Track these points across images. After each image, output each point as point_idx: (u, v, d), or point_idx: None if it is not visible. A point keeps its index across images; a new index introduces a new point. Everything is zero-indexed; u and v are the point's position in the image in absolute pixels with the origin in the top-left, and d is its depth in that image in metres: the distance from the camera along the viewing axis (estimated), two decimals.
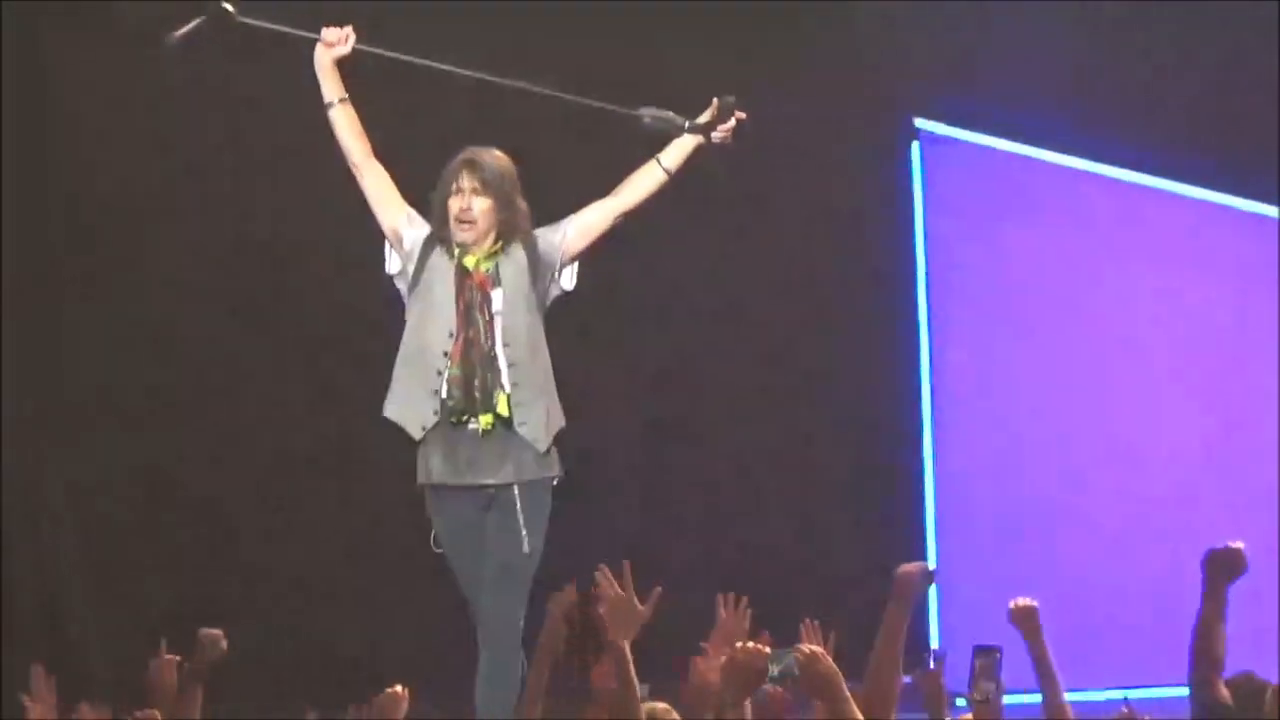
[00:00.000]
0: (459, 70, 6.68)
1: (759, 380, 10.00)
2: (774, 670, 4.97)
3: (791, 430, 9.97)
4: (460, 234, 6.57)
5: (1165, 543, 9.61)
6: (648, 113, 6.55)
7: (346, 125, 6.64)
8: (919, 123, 9.91)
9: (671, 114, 6.54)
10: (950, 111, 9.85)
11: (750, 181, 9.85)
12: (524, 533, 6.58)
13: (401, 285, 6.70)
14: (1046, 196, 9.81)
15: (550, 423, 6.65)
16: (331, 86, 6.62)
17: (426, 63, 6.67)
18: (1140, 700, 9.00)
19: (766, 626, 9.16)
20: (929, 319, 9.92)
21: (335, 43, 6.60)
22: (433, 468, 6.65)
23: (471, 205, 6.56)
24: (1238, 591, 8.90)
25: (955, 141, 9.88)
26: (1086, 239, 9.77)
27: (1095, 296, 9.77)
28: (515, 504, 6.61)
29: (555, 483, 6.69)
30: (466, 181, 6.57)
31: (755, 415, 9.99)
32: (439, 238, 6.60)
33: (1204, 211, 9.70)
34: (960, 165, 9.91)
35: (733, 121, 6.57)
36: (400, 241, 6.65)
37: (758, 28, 9.87)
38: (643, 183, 6.66)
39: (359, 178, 6.67)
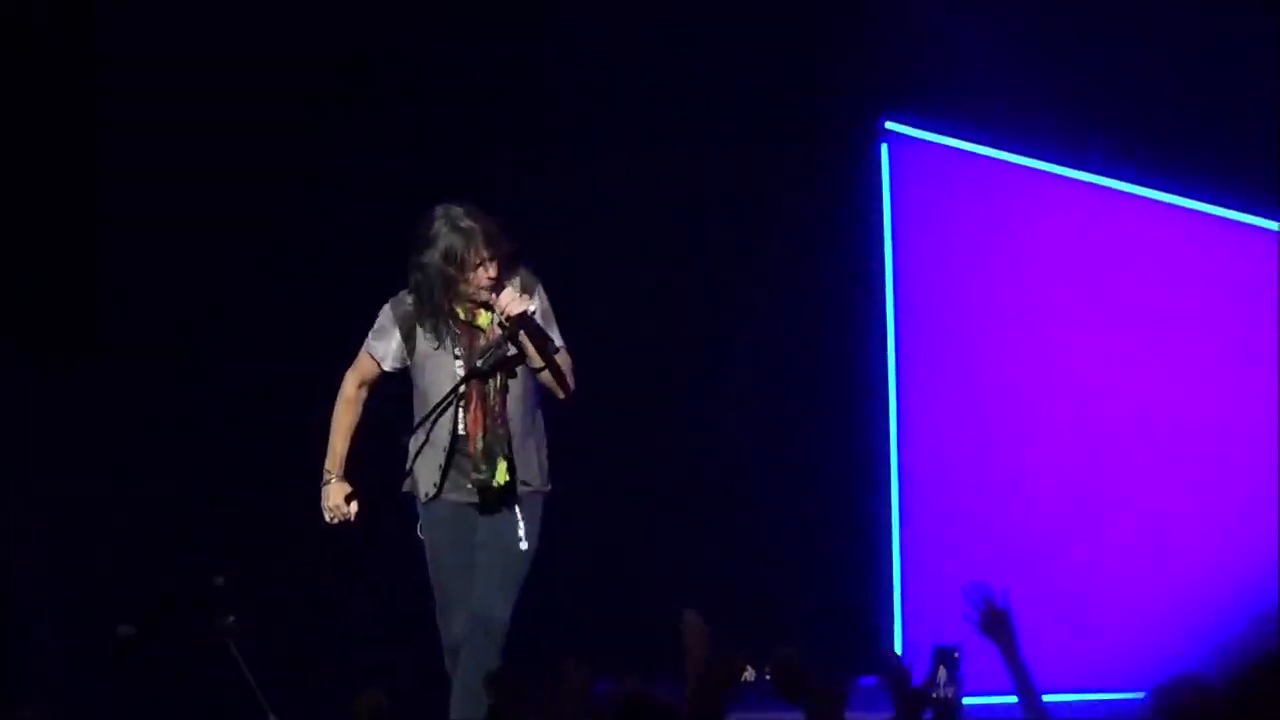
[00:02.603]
0: None
1: (726, 379, 9.83)
2: (750, 675, 4.99)
3: (753, 434, 9.83)
4: (486, 296, 7.04)
5: (1149, 541, 9.66)
6: (483, 361, 7.03)
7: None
8: (889, 125, 9.78)
9: (491, 345, 7.03)
10: (922, 113, 9.76)
11: (710, 182, 9.77)
12: (522, 532, 7.05)
13: (396, 366, 7.24)
14: (1022, 202, 9.74)
15: (542, 458, 7.23)
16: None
17: None
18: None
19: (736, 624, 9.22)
20: (895, 323, 9.77)
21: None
22: (438, 483, 7.16)
23: (494, 273, 7.03)
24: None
25: (926, 144, 9.76)
26: (1063, 245, 9.72)
27: (1072, 304, 9.72)
28: (515, 507, 7.13)
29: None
30: (486, 251, 6.99)
31: (720, 416, 9.81)
32: (438, 309, 7.02)
33: (1193, 220, 9.67)
34: (931, 168, 9.78)
35: (507, 296, 7.00)
36: (389, 355, 7.23)
37: (723, 26, 9.72)
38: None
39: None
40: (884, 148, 9.80)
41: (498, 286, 7.03)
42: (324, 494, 7.25)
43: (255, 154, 9.27)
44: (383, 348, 7.19)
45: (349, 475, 7.28)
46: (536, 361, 7.05)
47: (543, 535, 7.24)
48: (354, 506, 7.22)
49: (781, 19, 9.71)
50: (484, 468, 7.07)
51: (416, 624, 7.56)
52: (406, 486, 7.28)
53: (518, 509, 7.10)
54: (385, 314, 7.19)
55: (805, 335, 9.84)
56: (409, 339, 7.12)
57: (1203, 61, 9.49)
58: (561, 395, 7.15)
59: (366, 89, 9.46)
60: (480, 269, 6.97)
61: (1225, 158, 9.53)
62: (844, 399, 9.86)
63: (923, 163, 9.80)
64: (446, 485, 7.14)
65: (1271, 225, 9.63)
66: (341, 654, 9.32)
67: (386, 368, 7.20)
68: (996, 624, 5.45)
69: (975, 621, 5.48)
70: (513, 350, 7.04)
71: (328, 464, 7.26)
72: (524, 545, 7.06)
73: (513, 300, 6.97)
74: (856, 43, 9.68)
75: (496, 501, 7.10)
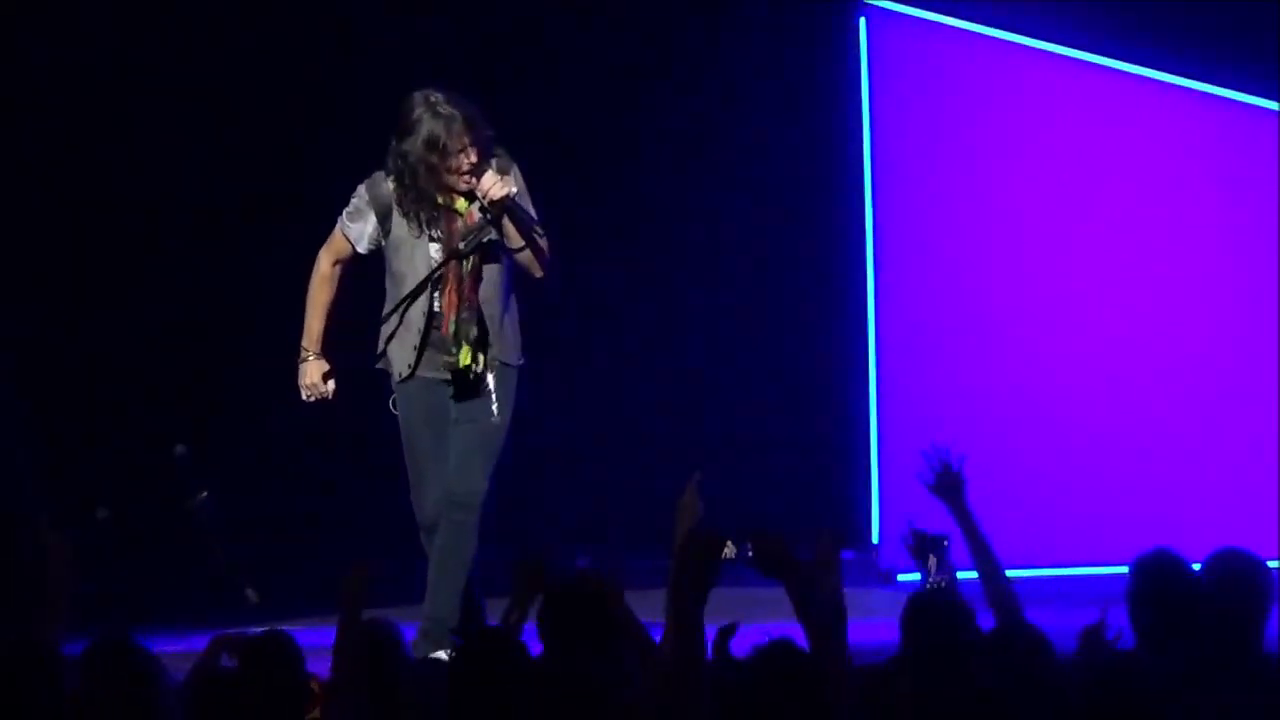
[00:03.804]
0: None
1: (704, 259, 9.82)
2: (730, 551, 4.99)
3: (730, 315, 9.83)
4: (465, 185, 6.98)
5: (1130, 421, 9.66)
6: (464, 244, 6.96)
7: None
8: None
9: (473, 228, 6.95)
10: None
11: (683, 57, 9.70)
12: (495, 406, 7.03)
13: (368, 247, 7.13)
14: (1004, 79, 9.66)
15: (516, 336, 7.18)
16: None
17: None
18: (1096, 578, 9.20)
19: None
20: (873, 202, 9.66)
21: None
22: (413, 364, 7.11)
23: (474, 158, 6.95)
24: None
25: (905, 17, 9.64)
26: (1046, 123, 9.64)
27: (1055, 183, 9.65)
28: (488, 380, 7.09)
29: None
30: (467, 137, 6.94)
31: (697, 297, 9.83)
32: (421, 195, 6.94)
33: (1186, 99, 9.60)
34: (910, 43, 9.66)
35: (489, 180, 6.92)
36: (364, 237, 7.11)
37: None
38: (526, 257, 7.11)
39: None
40: (862, 21, 9.68)
41: (477, 171, 6.98)
42: (301, 371, 7.21)
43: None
44: (357, 230, 7.12)
45: (325, 353, 7.23)
46: (516, 242, 7.02)
47: (529, 415, 7.21)
48: (331, 384, 7.19)
49: None
50: (454, 350, 7.06)
51: (393, 501, 7.53)
52: (380, 364, 7.24)
53: (491, 381, 7.08)
54: (360, 195, 7.12)
55: (781, 215, 9.77)
56: (384, 221, 7.08)
57: None
58: (539, 274, 7.12)
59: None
60: (461, 155, 6.92)
61: (1221, 34, 9.42)
62: (821, 279, 9.81)
63: (901, 37, 9.68)
64: (421, 364, 7.10)
65: (1270, 105, 9.56)
66: (317, 531, 9.31)
67: (360, 249, 7.14)
68: (949, 487, 5.45)
69: (929, 482, 5.50)
70: (493, 233, 7.00)
71: (304, 341, 7.22)
72: (496, 418, 7.04)
73: (495, 184, 6.92)
74: None
75: (467, 384, 7.09)
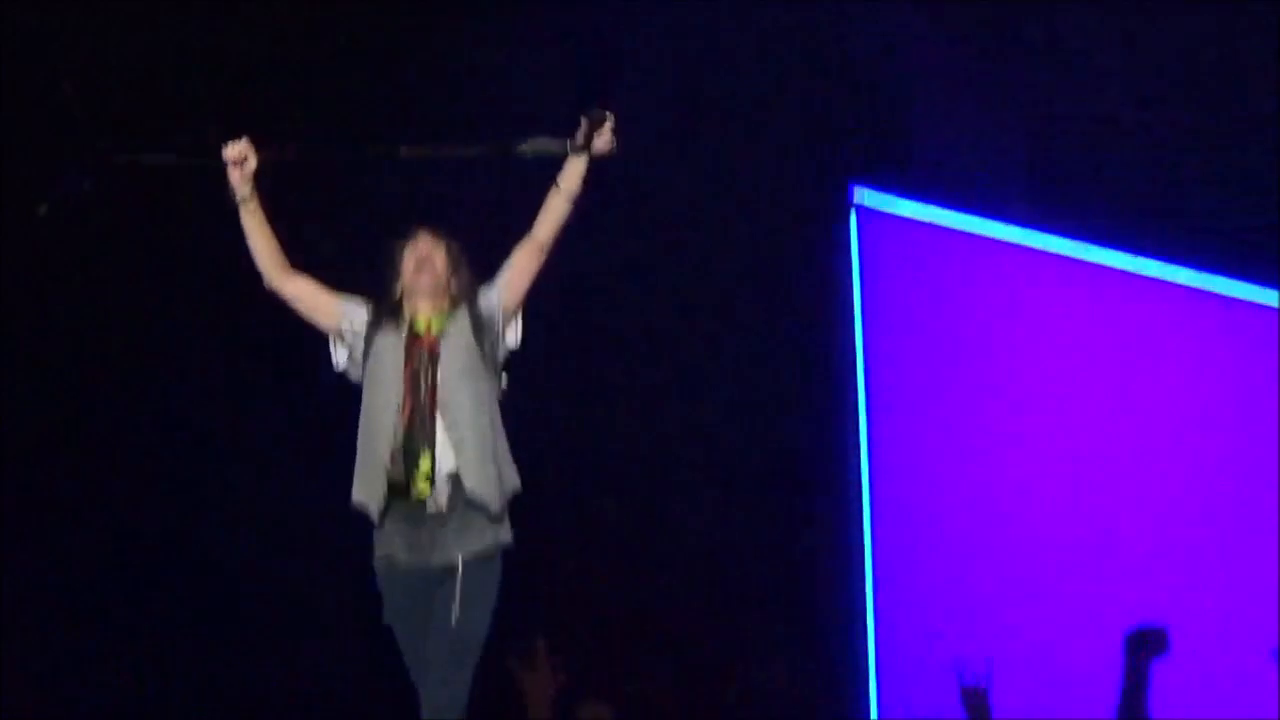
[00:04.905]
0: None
1: (699, 451, 9.77)
2: None
3: (722, 512, 9.81)
4: (420, 282, 6.66)
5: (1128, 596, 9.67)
6: (528, 146, 6.58)
7: (255, 229, 6.51)
8: (857, 194, 9.75)
9: (549, 140, 6.57)
10: (891, 182, 9.76)
11: (675, 247, 9.76)
12: (459, 608, 6.44)
13: (353, 373, 6.68)
14: (1000, 276, 9.78)
15: (504, 485, 6.61)
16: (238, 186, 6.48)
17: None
18: None
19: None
20: (866, 397, 9.71)
21: (238, 160, 6.45)
22: (393, 547, 6.60)
23: (431, 254, 6.66)
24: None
25: (895, 216, 9.75)
26: (1039, 321, 9.72)
27: (1052, 380, 9.72)
28: (459, 580, 6.48)
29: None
30: (424, 240, 6.70)
31: (690, 486, 9.77)
32: (388, 308, 6.65)
33: (1186, 297, 9.70)
34: (901, 240, 9.76)
35: (608, 128, 6.54)
36: (342, 335, 6.66)
37: (694, 86, 9.69)
38: (551, 213, 6.64)
39: (279, 289, 6.56)
40: (853, 218, 9.76)
41: (432, 281, 6.62)
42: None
43: None
44: (348, 305, 6.67)
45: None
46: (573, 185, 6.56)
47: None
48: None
49: (752, 87, 9.69)
50: (399, 462, 6.40)
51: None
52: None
53: (460, 575, 6.42)
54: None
55: (774, 407, 9.75)
56: (371, 333, 6.63)
57: (1191, 133, 9.47)
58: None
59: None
60: (413, 249, 6.62)
61: (1223, 230, 9.52)
62: (814, 470, 9.79)
63: (893, 234, 9.77)
64: (394, 545, 6.52)
65: (1270, 302, 9.64)
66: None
67: (336, 323, 6.65)
68: (975, 701, 5.46)
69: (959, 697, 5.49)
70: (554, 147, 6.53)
71: None
72: (470, 619, 6.43)
73: (606, 139, 6.49)
74: (825, 110, 9.65)
75: (427, 515, 6.45)
